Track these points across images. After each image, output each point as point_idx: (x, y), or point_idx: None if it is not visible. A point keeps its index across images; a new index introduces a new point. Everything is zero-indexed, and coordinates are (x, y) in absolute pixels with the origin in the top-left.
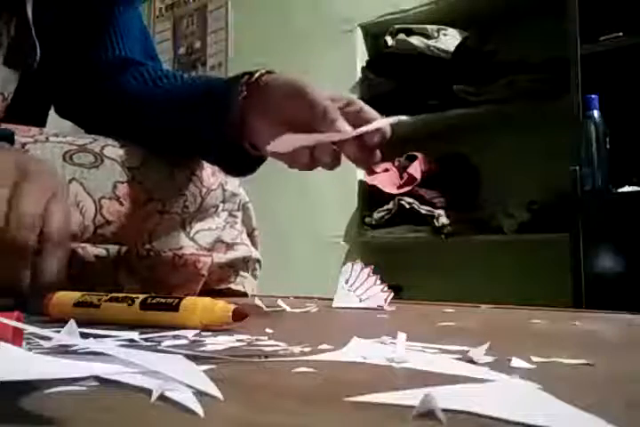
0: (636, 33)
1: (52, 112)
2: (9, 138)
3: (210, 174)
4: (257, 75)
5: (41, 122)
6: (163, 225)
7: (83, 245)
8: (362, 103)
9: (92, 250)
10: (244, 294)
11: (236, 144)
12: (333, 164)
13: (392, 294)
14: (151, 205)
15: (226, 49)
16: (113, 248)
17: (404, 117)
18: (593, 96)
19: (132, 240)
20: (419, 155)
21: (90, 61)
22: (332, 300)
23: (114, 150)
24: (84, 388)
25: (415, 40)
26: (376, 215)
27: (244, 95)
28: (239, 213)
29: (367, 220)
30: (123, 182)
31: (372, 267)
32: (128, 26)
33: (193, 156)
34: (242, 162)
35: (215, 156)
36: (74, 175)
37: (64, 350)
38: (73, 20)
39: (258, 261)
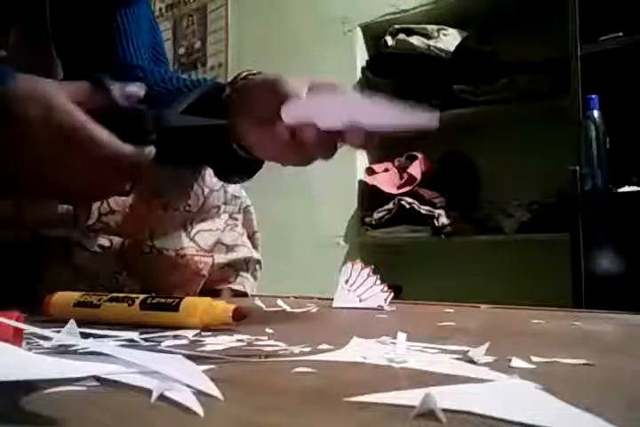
0: (636, 33)
1: None
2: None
3: (212, 175)
4: (241, 76)
5: None
6: (165, 221)
7: (87, 233)
8: (348, 88)
9: (97, 240)
10: (244, 294)
11: (226, 147)
12: (332, 152)
13: (392, 294)
14: (156, 200)
15: (226, 49)
16: (117, 240)
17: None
18: (593, 96)
19: (134, 233)
20: (419, 155)
21: (91, 67)
22: (332, 300)
23: None
24: (83, 388)
25: (415, 40)
26: (376, 215)
27: (227, 94)
28: (240, 216)
29: (367, 220)
30: None
31: (372, 267)
32: (132, 28)
33: (187, 159)
34: (236, 166)
35: (206, 157)
36: None
37: (64, 350)
38: (80, 28)
39: (258, 261)
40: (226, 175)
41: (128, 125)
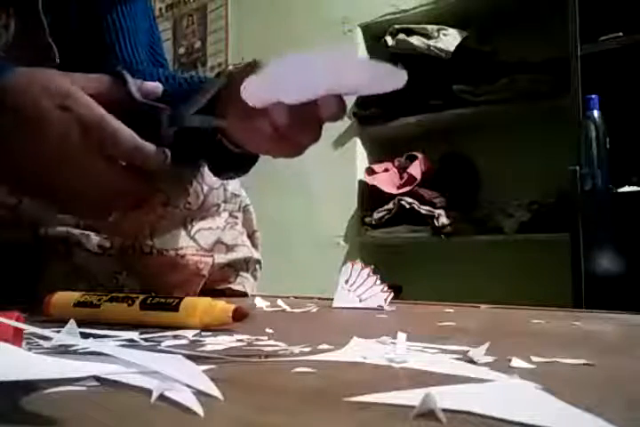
0: (636, 33)
1: None
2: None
3: (211, 173)
4: (226, 71)
5: None
6: (165, 220)
7: (87, 233)
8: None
9: (97, 240)
10: (244, 294)
11: (217, 142)
12: (315, 132)
13: (392, 294)
14: (156, 197)
15: (226, 49)
16: (117, 240)
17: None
18: (593, 96)
19: (134, 231)
20: (419, 155)
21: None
22: (332, 300)
23: None
24: (83, 388)
25: (415, 40)
26: (376, 215)
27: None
28: (240, 215)
29: (367, 220)
30: None
31: (372, 267)
32: (129, 27)
33: (184, 155)
34: (229, 161)
35: (200, 152)
36: None
37: (64, 350)
38: (74, 26)
39: (258, 261)
40: (219, 171)
41: (145, 124)
